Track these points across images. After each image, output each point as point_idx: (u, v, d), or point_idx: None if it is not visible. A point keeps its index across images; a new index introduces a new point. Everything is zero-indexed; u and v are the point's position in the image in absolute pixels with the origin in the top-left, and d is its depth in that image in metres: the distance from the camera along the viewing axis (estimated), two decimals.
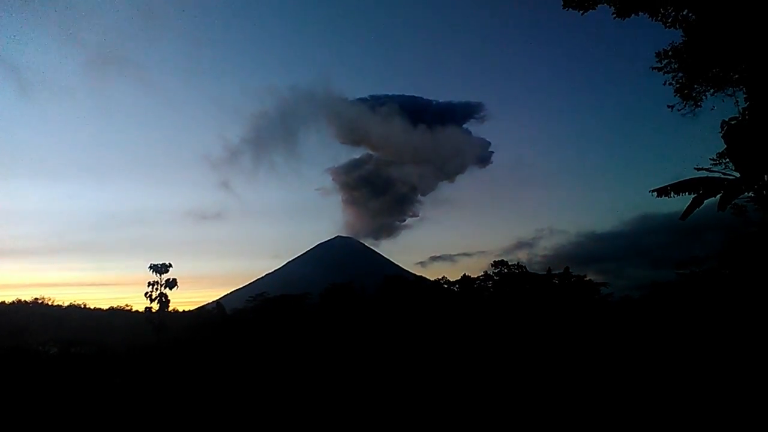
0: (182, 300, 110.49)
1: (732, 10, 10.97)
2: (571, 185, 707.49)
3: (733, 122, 11.70)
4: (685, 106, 12.34)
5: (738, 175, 12.33)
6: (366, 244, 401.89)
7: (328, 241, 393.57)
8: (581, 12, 11.97)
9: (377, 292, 51.73)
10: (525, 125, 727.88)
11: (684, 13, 11.57)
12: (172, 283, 51.97)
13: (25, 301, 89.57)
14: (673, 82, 12.22)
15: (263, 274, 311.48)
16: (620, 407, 17.17)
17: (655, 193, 13.53)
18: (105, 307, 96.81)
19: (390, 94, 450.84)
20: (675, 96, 12.32)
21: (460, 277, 52.06)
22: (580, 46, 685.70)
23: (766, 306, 21.42)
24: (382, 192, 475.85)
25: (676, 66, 12.07)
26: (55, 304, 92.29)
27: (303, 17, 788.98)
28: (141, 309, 52.54)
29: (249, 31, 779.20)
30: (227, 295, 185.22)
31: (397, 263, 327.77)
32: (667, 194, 13.30)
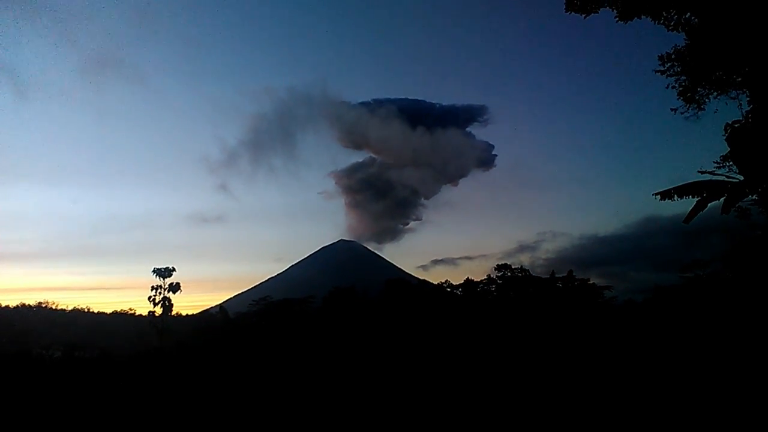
0: (185, 304, 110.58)
1: (734, 13, 11.00)
2: (574, 188, 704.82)
3: (736, 125, 11.69)
4: (688, 109, 12.35)
5: (742, 178, 12.28)
6: (369, 248, 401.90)
7: (331, 244, 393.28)
8: (584, 15, 12.00)
9: (380, 296, 51.69)
10: (528, 128, 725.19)
11: (687, 16, 11.60)
12: (175, 287, 52.28)
13: (29, 305, 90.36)
14: (677, 85, 12.24)
15: (266, 278, 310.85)
16: (625, 410, 17.12)
17: (659, 196, 13.46)
18: (108, 311, 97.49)
19: (392, 97, 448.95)
20: (678, 99, 12.33)
21: (463, 281, 52.18)
22: (583, 49, 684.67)
23: None
24: (385, 195, 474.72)
25: (679, 69, 12.09)
26: (59, 308, 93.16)
27: (303, 20, 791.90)
28: (144, 313, 53.09)
29: (247, 33, 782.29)
30: (230, 298, 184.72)
31: (399, 267, 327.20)
32: (671, 197, 13.24)
